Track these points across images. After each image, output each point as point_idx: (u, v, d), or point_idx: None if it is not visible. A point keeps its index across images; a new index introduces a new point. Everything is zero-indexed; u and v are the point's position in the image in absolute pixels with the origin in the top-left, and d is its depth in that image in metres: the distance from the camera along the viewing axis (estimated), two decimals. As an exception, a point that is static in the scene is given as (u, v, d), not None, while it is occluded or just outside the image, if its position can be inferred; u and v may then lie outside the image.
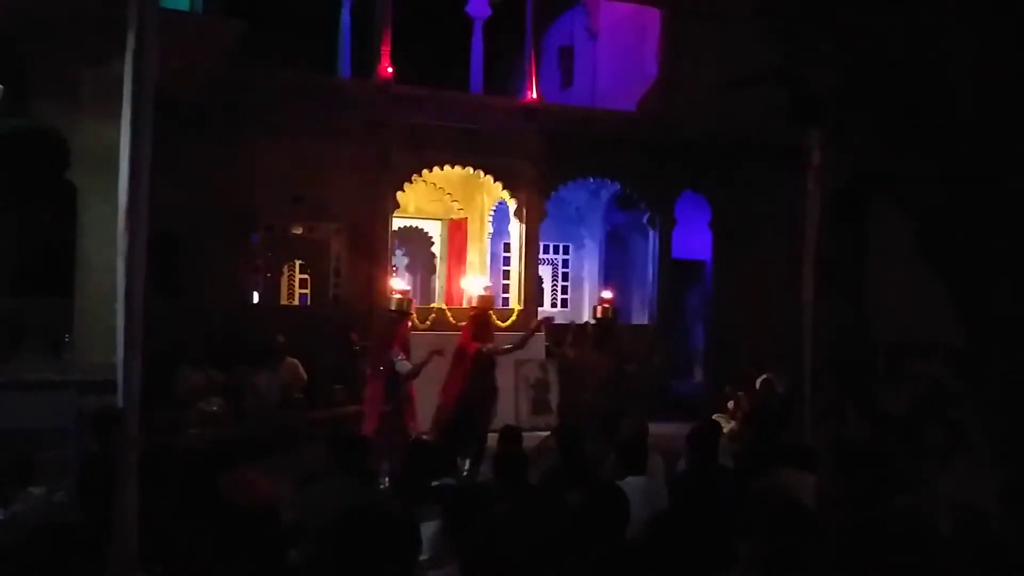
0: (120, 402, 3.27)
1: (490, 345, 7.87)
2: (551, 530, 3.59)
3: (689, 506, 4.13)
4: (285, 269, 12.74)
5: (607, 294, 8.98)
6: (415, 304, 10.15)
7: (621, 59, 14.81)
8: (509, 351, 8.26)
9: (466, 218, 14.05)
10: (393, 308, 7.81)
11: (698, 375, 14.64)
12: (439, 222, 14.52)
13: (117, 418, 3.25)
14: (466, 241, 14.07)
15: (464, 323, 8.53)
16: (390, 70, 11.90)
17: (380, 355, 7.64)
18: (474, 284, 8.83)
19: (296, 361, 10.18)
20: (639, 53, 14.24)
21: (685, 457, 5.24)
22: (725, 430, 8.34)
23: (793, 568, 2.81)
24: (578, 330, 11.41)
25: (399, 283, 8.88)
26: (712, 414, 9.00)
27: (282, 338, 10.18)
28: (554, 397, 11.45)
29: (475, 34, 14.07)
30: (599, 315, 8.49)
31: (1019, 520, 2.98)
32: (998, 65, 2.87)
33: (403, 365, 7.43)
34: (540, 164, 12.57)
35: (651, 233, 13.55)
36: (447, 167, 12.29)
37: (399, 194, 11.97)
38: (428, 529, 3.62)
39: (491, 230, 13.97)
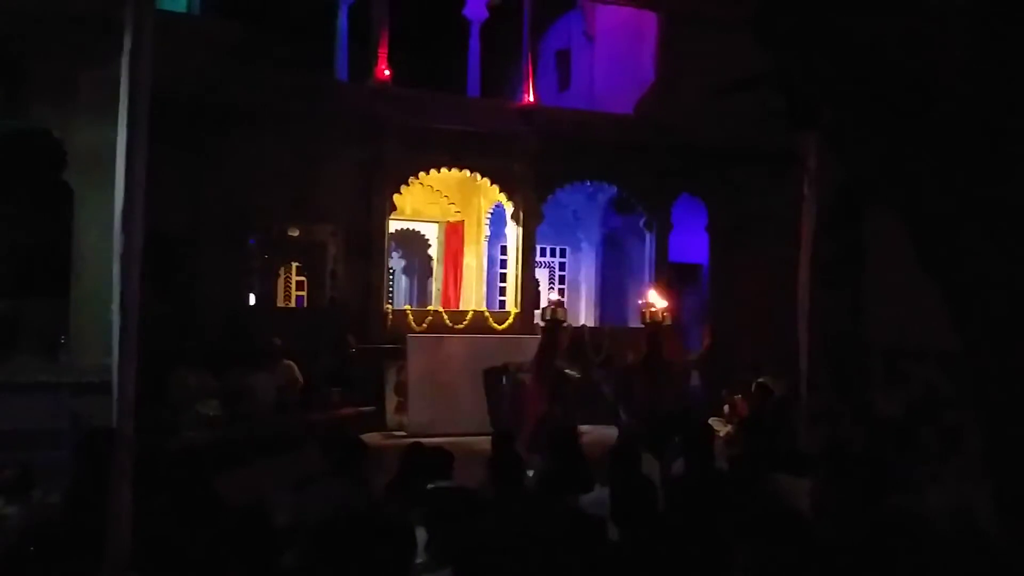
0: (115, 404, 3.26)
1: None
2: (545, 534, 3.58)
3: (683, 510, 4.13)
4: (282, 271, 12.72)
5: (659, 302, 9.35)
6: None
7: (618, 62, 14.82)
8: None
9: (463, 221, 14.05)
10: (547, 319, 8.54)
11: (695, 379, 14.62)
12: (436, 225, 14.53)
13: (108, 438, 3.25)
14: (463, 244, 14.08)
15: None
16: (387, 72, 11.92)
17: (547, 363, 8.37)
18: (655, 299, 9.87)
19: (292, 363, 10.16)
20: (636, 57, 14.25)
21: (681, 460, 5.24)
22: (721, 434, 8.35)
23: (788, 572, 2.81)
24: (575, 334, 11.47)
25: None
26: (709, 418, 9.00)
27: (279, 340, 10.16)
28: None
29: (472, 37, 14.08)
30: (649, 319, 9.19)
31: (1013, 523, 2.99)
32: (993, 69, 2.88)
33: (572, 373, 8.36)
34: (537, 167, 12.58)
35: (648, 236, 13.56)
36: (444, 170, 12.29)
37: (396, 196, 11.98)
38: (424, 532, 3.62)
39: (488, 233, 13.98)
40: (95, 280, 7.91)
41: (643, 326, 9.27)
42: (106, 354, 3.34)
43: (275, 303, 12.52)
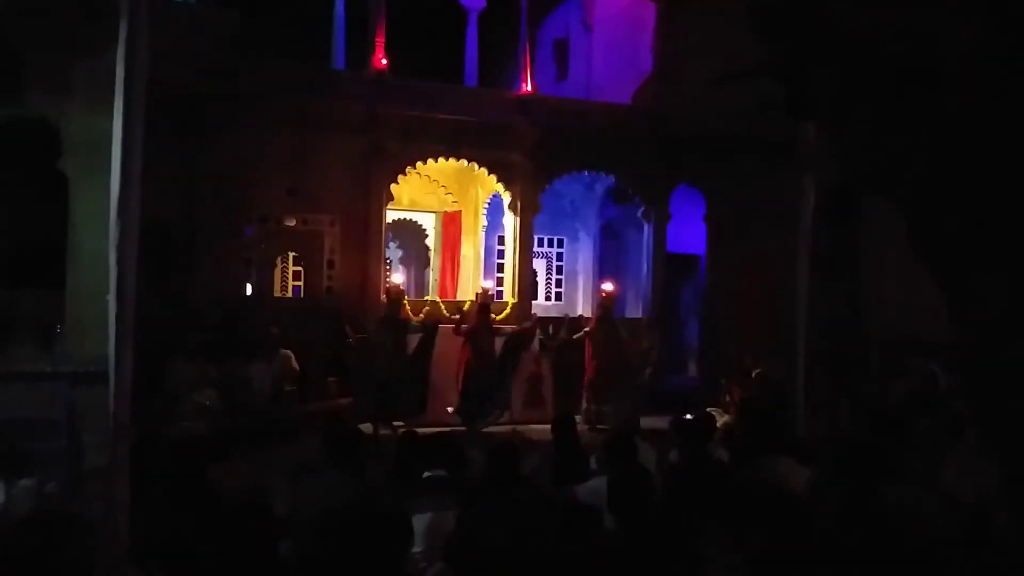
0: (111, 394, 3.25)
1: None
2: (541, 522, 3.58)
3: (679, 497, 4.13)
4: (278, 261, 12.68)
5: None
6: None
7: (616, 52, 14.78)
8: None
9: (460, 211, 14.02)
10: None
11: (692, 369, 14.65)
12: (433, 215, 14.49)
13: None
14: (460, 234, 14.05)
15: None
16: (384, 61, 11.87)
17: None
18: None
19: (289, 353, 10.16)
20: (634, 46, 14.22)
21: (676, 448, 5.25)
22: (720, 423, 8.36)
23: (786, 558, 2.82)
24: (572, 323, 11.45)
25: None
26: (706, 408, 9.01)
27: (276, 330, 10.15)
28: (547, 390, 11.45)
29: (470, 26, 14.03)
30: None
31: (1010, 512, 2.99)
32: (992, 62, 2.87)
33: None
34: (534, 157, 12.54)
35: (645, 227, 13.53)
36: (441, 159, 12.25)
37: (393, 186, 11.94)
38: (421, 521, 3.62)
39: (485, 223, 13.95)
40: (91, 269, 7.91)
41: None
42: (103, 344, 3.32)
43: (272, 293, 12.48)
